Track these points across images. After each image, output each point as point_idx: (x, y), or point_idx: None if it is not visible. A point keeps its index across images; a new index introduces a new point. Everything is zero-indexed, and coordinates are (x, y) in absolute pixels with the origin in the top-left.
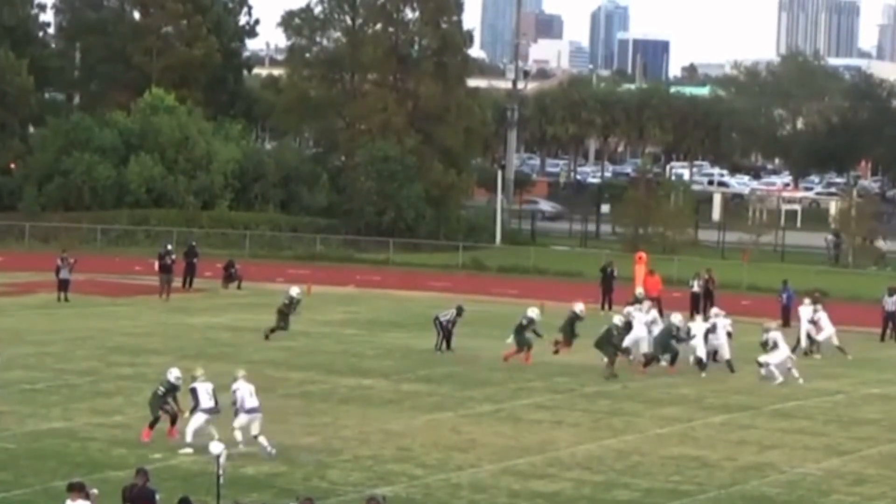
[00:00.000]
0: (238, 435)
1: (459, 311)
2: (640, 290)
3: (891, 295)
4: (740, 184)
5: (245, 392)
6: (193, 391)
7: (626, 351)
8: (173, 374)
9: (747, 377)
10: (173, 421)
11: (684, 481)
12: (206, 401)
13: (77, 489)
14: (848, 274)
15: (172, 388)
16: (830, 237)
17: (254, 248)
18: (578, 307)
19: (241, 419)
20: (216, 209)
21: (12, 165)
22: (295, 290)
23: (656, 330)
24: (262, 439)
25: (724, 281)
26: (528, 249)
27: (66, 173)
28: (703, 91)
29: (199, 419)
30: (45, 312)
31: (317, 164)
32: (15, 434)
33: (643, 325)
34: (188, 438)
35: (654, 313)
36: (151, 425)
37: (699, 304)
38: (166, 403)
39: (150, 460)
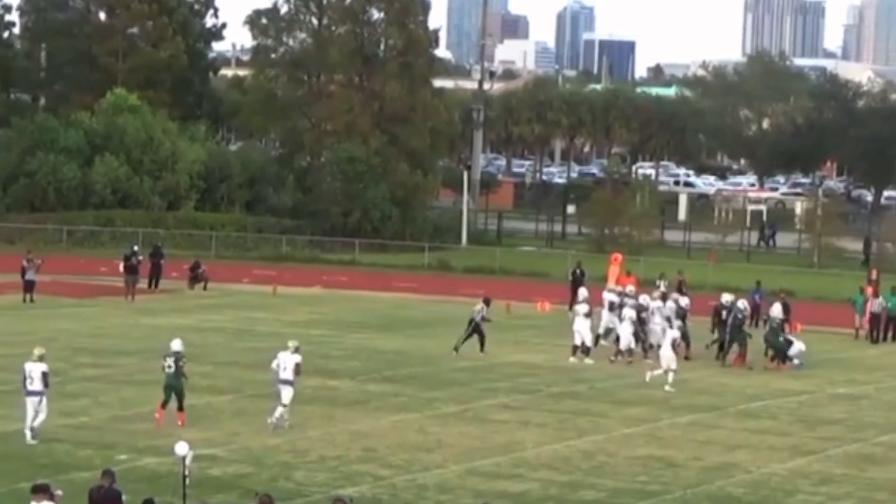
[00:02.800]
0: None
1: (487, 301)
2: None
3: (876, 296)
4: (706, 184)
5: (282, 363)
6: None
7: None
8: (178, 344)
9: (713, 377)
10: (180, 406)
11: (651, 481)
12: (30, 384)
13: (42, 490)
14: (814, 274)
15: (178, 357)
16: (767, 230)
17: (220, 248)
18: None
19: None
20: (182, 210)
21: None
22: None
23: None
24: (284, 412)
25: (690, 281)
26: (494, 250)
27: (32, 174)
28: (669, 92)
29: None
30: (11, 314)
31: (282, 164)
32: None
33: (620, 315)
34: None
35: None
36: (164, 406)
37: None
38: (184, 377)
39: (115, 461)
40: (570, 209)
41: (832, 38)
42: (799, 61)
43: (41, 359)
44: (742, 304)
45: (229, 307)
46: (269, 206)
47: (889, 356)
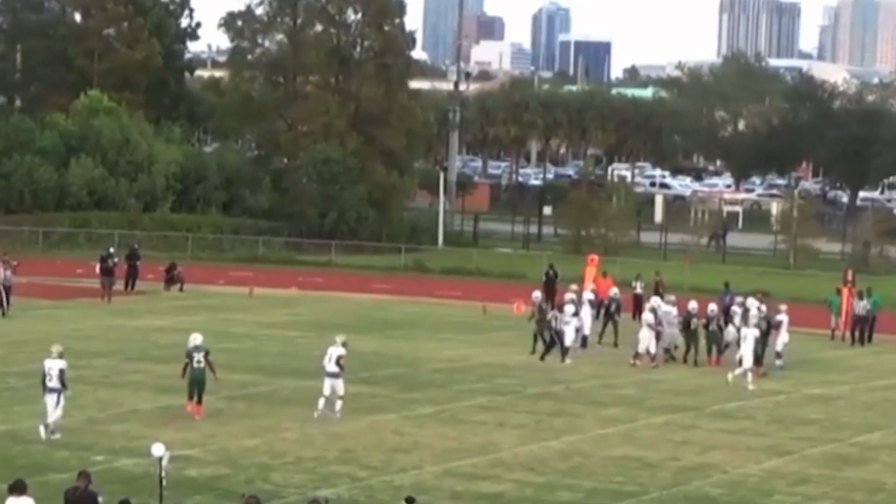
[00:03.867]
0: (321, 402)
1: (560, 308)
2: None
3: (861, 298)
4: (682, 185)
5: (328, 356)
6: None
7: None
8: (199, 338)
9: (690, 378)
10: (199, 399)
11: (627, 482)
12: (49, 381)
13: (18, 489)
14: (789, 275)
15: (194, 351)
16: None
17: (196, 250)
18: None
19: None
20: (158, 211)
21: None
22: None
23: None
24: (335, 405)
25: (667, 282)
26: (470, 251)
27: (7, 176)
28: (646, 93)
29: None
30: None
31: (259, 166)
32: None
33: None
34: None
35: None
36: (191, 398)
37: (641, 305)
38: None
39: (92, 463)
40: (547, 211)
41: (808, 39)
42: (774, 62)
43: (60, 356)
44: (668, 307)
45: (205, 309)
46: (246, 207)
47: (865, 357)
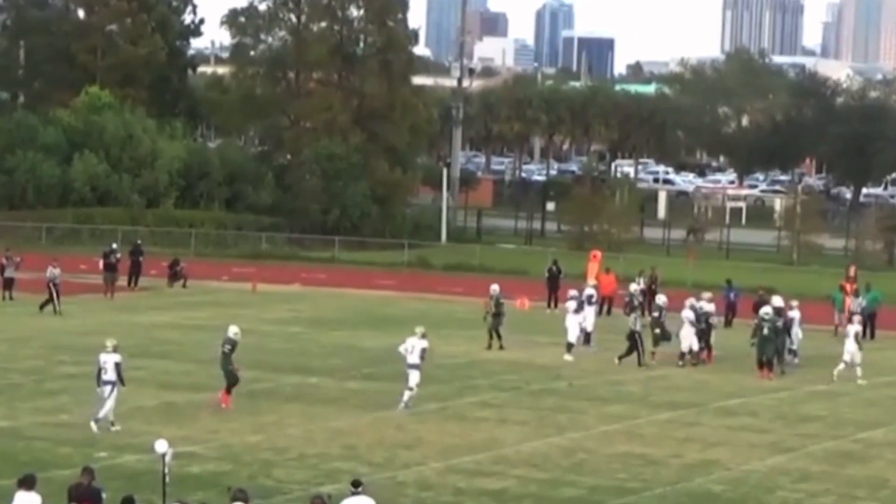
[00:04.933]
0: (406, 394)
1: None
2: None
3: (857, 296)
4: (685, 181)
5: (409, 348)
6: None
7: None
8: (232, 331)
9: (692, 375)
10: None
11: (630, 479)
12: (104, 374)
13: (27, 483)
14: (793, 271)
15: (234, 345)
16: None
17: (199, 246)
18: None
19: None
20: (161, 208)
21: None
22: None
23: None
24: (406, 393)
25: (670, 279)
26: (473, 247)
27: (10, 172)
28: (649, 89)
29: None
30: None
31: (262, 162)
32: None
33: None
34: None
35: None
36: (228, 390)
37: (645, 301)
38: (231, 364)
39: (95, 459)
40: (550, 207)
41: (811, 35)
42: (778, 59)
43: (115, 349)
44: (709, 306)
45: (208, 305)
46: (249, 203)
47: (868, 353)
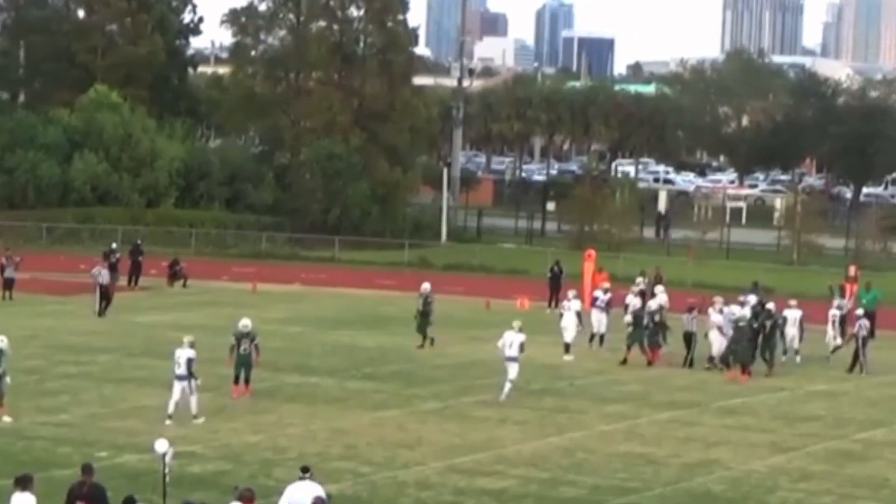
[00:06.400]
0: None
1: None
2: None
3: (842, 296)
4: (685, 181)
5: (508, 342)
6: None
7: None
8: (241, 323)
9: (692, 375)
10: (247, 380)
11: (630, 478)
12: (177, 369)
13: (24, 482)
14: (793, 271)
15: (242, 336)
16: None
17: (199, 246)
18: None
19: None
20: (161, 207)
21: None
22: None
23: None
24: (507, 385)
25: (670, 278)
26: (473, 247)
27: (10, 171)
28: (649, 89)
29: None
30: None
31: (262, 162)
32: None
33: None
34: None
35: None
36: (237, 381)
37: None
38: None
39: (95, 459)
40: (550, 206)
41: (811, 35)
42: (778, 58)
43: (191, 346)
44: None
45: (209, 304)
46: (249, 203)
47: (868, 353)
